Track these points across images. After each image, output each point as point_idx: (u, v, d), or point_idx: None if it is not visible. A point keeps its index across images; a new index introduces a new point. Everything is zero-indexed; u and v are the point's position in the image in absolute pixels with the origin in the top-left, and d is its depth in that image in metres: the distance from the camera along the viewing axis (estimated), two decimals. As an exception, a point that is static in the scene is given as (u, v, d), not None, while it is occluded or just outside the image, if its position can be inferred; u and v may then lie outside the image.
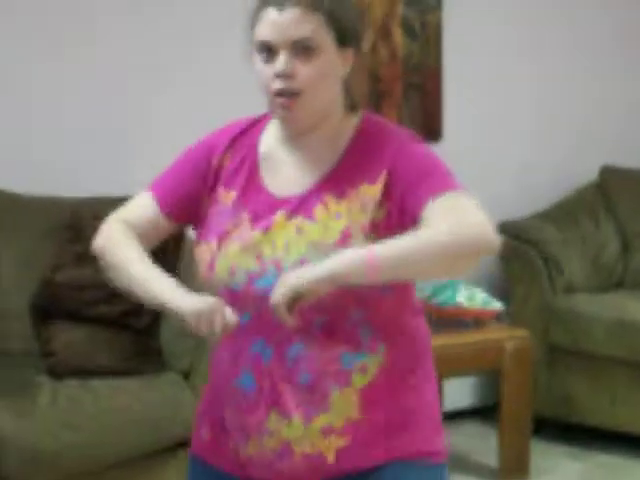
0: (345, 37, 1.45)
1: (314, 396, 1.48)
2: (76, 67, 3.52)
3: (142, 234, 1.56)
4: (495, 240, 1.32)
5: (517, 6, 4.03)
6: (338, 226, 1.44)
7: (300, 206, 1.48)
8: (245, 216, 1.51)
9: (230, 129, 1.60)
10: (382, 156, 1.46)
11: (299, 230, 1.49)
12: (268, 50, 1.40)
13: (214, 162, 1.57)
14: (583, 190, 4.00)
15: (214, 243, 1.52)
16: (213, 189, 1.57)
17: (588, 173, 4.10)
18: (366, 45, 1.99)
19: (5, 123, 3.34)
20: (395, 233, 1.35)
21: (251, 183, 1.55)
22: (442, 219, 1.32)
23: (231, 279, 1.48)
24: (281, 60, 1.40)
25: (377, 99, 3.46)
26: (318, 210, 1.47)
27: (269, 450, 1.50)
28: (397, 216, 1.41)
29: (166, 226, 1.57)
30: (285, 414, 1.48)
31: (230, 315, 1.34)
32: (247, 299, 1.46)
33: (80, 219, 3.04)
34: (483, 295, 3.30)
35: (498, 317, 3.36)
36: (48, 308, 2.98)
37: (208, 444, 1.61)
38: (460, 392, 3.87)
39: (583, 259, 3.72)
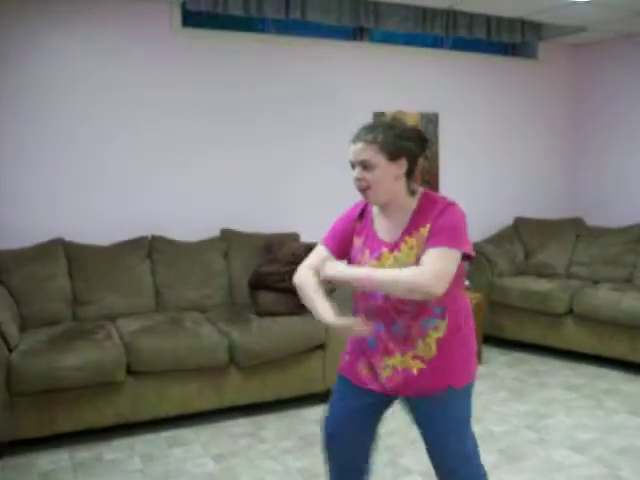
0: (393, 155, 2.19)
1: (407, 343, 2.25)
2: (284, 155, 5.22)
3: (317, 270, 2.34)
4: (431, 290, 2.05)
5: (475, 139, 6.09)
6: (412, 253, 2.20)
7: (394, 246, 2.24)
8: (367, 251, 2.29)
9: (359, 205, 2.43)
10: (431, 213, 2.19)
11: (395, 257, 2.24)
12: (352, 165, 2.23)
13: (353, 225, 2.39)
14: (505, 228, 6.13)
15: (355, 264, 2.32)
16: (352, 239, 2.39)
17: (509, 219, 6.23)
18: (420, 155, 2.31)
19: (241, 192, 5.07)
20: None
21: (370, 232, 2.34)
22: (422, 263, 2.09)
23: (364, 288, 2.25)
24: (356, 171, 2.22)
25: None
26: (402, 245, 2.23)
27: (383, 376, 2.29)
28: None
29: (328, 258, 2.35)
30: (390, 354, 2.27)
31: (358, 327, 2.15)
32: (370, 299, 2.25)
33: (271, 244, 4.78)
34: (460, 277, 5.61)
35: (466, 288, 5.06)
36: (255, 284, 4.45)
37: (348, 367, 2.41)
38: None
39: (506, 260, 5.79)
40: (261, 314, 4.36)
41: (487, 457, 3.44)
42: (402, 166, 2.23)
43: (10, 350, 3.70)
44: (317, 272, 2.35)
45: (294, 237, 4.98)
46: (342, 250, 2.41)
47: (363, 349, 2.37)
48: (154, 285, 4.57)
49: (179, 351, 3.93)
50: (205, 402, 4.07)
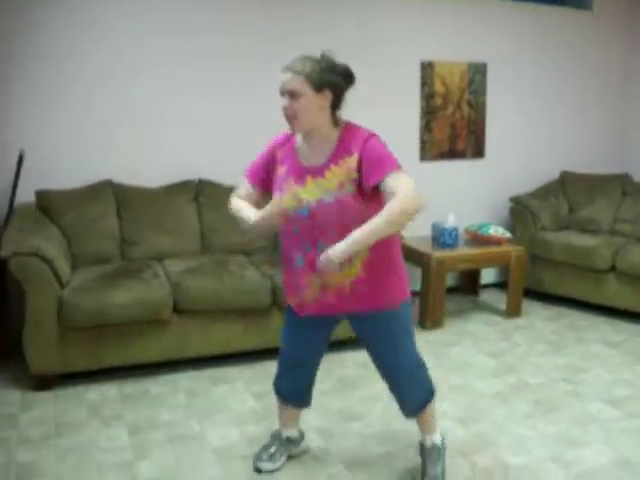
0: (318, 87, 2.36)
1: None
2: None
3: (246, 198, 2.65)
4: (419, 207, 2.24)
5: (523, 91, 5.96)
6: (336, 180, 2.38)
7: (317, 171, 2.41)
8: (291, 178, 2.47)
9: (281, 136, 2.62)
10: (355, 144, 2.38)
11: (317, 183, 2.41)
12: (281, 94, 2.40)
13: (275, 152, 2.58)
14: (551, 182, 6.04)
15: (279, 194, 2.48)
16: (275, 167, 2.56)
17: (555, 173, 6.16)
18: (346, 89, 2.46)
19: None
20: (365, 186, 2.33)
21: (294, 160, 2.50)
22: (392, 192, 2.23)
23: (288, 212, 2.44)
24: (283, 100, 2.40)
25: (454, 138, 5.61)
26: (326, 173, 2.40)
27: (315, 292, 2.51)
28: (365, 179, 2.32)
29: (255, 193, 2.65)
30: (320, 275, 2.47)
31: (282, 202, 2.39)
32: (295, 221, 2.45)
33: None
34: (502, 229, 5.19)
35: (509, 240, 5.22)
36: None
37: (290, 298, 2.68)
38: (490, 275, 5.94)
39: (550, 214, 5.71)
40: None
41: (521, 407, 3.55)
42: (327, 98, 2.41)
43: (62, 286, 3.81)
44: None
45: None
46: (262, 180, 2.65)
47: (294, 275, 2.58)
48: (200, 228, 4.66)
49: (224, 292, 4.02)
50: (248, 342, 4.18)
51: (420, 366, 2.79)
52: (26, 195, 4.39)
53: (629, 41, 6.49)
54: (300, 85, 2.37)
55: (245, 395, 3.81)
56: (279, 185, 2.53)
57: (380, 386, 3.64)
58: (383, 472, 3.06)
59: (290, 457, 3.13)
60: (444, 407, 3.69)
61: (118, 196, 4.54)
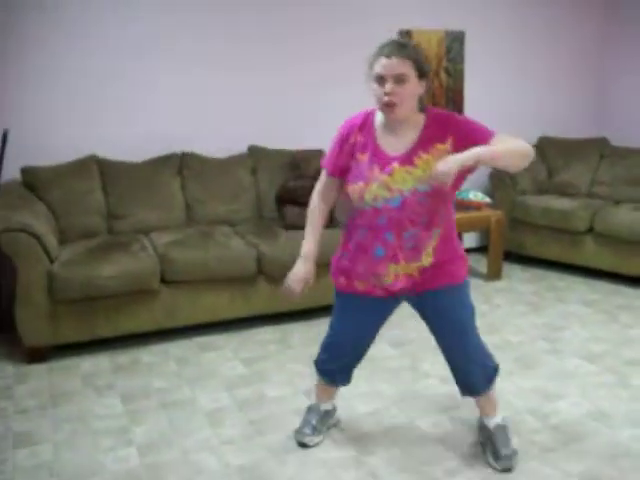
0: (422, 73, 2.33)
1: (414, 253, 2.45)
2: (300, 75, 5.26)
3: (326, 192, 2.63)
4: (532, 151, 2.26)
5: (501, 58, 6.05)
6: (429, 168, 2.30)
7: (405, 160, 2.35)
8: (376, 167, 2.37)
9: (356, 119, 2.50)
10: (444, 128, 2.34)
11: (408, 172, 2.35)
12: (380, 79, 2.29)
13: (352, 139, 2.46)
14: (531, 144, 6.39)
15: (362, 184, 2.39)
16: (354, 154, 2.45)
17: (533, 138, 6.21)
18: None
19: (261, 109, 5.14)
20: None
21: (375, 148, 2.40)
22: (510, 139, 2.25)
23: (375, 203, 2.38)
24: (388, 85, 2.28)
25: (434, 105, 5.49)
26: (416, 161, 2.34)
27: (386, 282, 2.50)
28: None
29: (336, 183, 2.58)
30: (397, 261, 2.45)
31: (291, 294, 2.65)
32: (383, 211, 2.37)
33: (297, 159, 4.88)
34: (481, 194, 5.34)
35: (488, 205, 5.41)
36: (282, 199, 4.65)
37: (346, 286, 2.63)
38: (471, 239, 6.02)
39: (529, 179, 5.83)
40: (288, 227, 4.54)
41: (503, 365, 3.67)
42: (423, 85, 2.38)
43: (51, 261, 3.89)
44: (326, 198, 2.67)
45: (319, 153, 5.05)
46: (342, 169, 2.56)
47: (369, 264, 2.53)
48: (185, 200, 4.73)
49: (210, 262, 4.11)
50: (235, 310, 4.27)
51: (483, 343, 2.79)
52: (12, 172, 4.44)
53: (606, 7, 6.55)
54: (408, 70, 2.31)
55: (234, 361, 3.91)
56: (361, 173, 2.44)
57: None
58: (366, 428, 3.15)
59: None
60: (426, 367, 3.82)
61: (103, 171, 4.59)
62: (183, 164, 4.81)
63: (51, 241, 3.95)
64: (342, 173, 2.55)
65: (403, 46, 2.33)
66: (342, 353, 2.87)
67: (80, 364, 3.91)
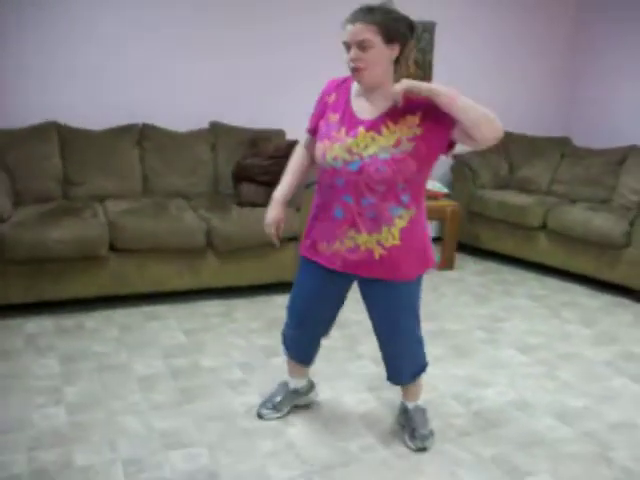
0: (389, 38, 2.24)
1: (374, 224, 2.41)
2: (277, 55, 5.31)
3: (307, 149, 2.70)
4: (501, 130, 2.26)
5: (469, 51, 6.10)
6: (394, 137, 2.29)
7: (372, 126, 2.33)
8: (343, 129, 2.38)
9: (336, 80, 2.55)
10: (418, 100, 2.28)
11: (372, 138, 2.33)
12: (347, 46, 2.27)
13: (327, 99, 2.51)
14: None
15: (327, 142, 2.40)
16: (326, 113, 2.48)
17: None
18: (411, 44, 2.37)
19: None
20: (430, 140, 2.29)
21: (347, 111, 2.41)
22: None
23: (335, 163, 2.38)
24: (352, 52, 2.27)
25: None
26: (383, 129, 2.31)
27: (346, 247, 2.47)
28: (433, 128, 2.27)
29: (314, 141, 2.57)
30: (358, 230, 2.43)
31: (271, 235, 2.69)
32: (342, 173, 2.38)
33: (257, 138, 4.96)
34: (439, 185, 5.50)
35: (446, 196, 5.52)
36: (239, 176, 4.69)
37: (309, 248, 2.62)
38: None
39: (490, 173, 5.92)
40: (242, 204, 4.60)
41: (435, 350, 3.77)
42: (395, 51, 2.32)
43: (2, 221, 3.94)
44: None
45: (280, 134, 5.13)
46: (317, 129, 2.59)
47: (329, 224, 2.53)
48: (142, 171, 4.79)
49: (160, 232, 4.19)
50: (183, 282, 4.35)
51: (418, 342, 2.79)
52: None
53: (578, 7, 6.61)
54: (372, 35, 2.25)
55: (176, 331, 3.99)
56: (328, 132, 2.44)
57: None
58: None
59: (297, 407, 3.19)
60: (362, 349, 3.90)
61: (62, 137, 4.63)
62: (143, 135, 4.86)
63: (3, 202, 3.99)
64: (316, 132, 2.59)
65: (370, 11, 2.28)
66: (298, 321, 2.86)
67: (24, 325, 3.97)
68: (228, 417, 3.07)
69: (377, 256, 2.46)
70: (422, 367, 2.87)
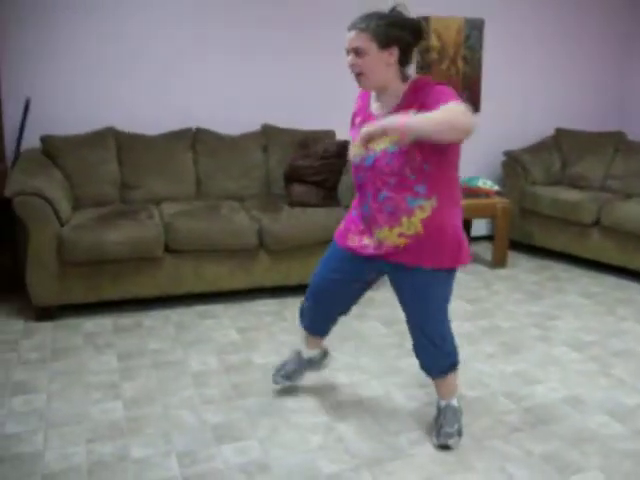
0: (383, 44, 2.35)
1: (393, 218, 2.50)
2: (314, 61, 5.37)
3: None
4: (468, 124, 2.14)
5: (520, 47, 6.07)
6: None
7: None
8: (360, 125, 2.56)
9: (361, 92, 2.71)
10: (421, 93, 2.37)
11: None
12: (347, 52, 2.43)
13: (356, 106, 2.71)
14: (546, 138, 6.17)
15: (352, 143, 2.60)
16: (354, 121, 2.68)
17: (550, 129, 6.29)
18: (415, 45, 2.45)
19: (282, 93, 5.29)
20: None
21: (367, 113, 2.59)
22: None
23: (355, 159, 2.56)
24: (349, 58, 2.42)
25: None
26: None
27: (373, 243, 2.62)
28: None
29: None
30: (379, 225, 2.55)
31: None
32: (360, 169, 2.55)
33: (307, 139, 5.02)
34: (490, 182, 5.40)
35: (497, 193, 5.47)
36: (290, 177, 4.80)
37: (341, 235, 2.78)
38: (480, 227, 6.16)
39: (542, 169, 5.87)
40: (293, 204, 4.69)
41: (487, 347, 3.78)
42: (393, 54, 2.41)
43: (62, 224, 4.10)
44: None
45: (329, 134, 5.19)
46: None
47: (359, 219, 2.67)
48: (196, 174, 4.90)
49: (213, 233, 4.29)
50: (236, 282, 4.44)
51: (445, 339, 2.78)
52: (34, 141, 4.67)
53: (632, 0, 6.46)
54: (364, 42, 2.37)
55: (229, 329, 4.09)
56: (354, 135, 2.61)
57: (357, 324, 3.93)
58: (345, 397, 3.31)
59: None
60: (411, 345, 3.90)
61: (119, 142, 4.79)
62: (196, 139, 4.98)
63: (63, 206, 4.15)
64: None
65: (365, 18, 2.40)
66: (315, 297, 2.95)
67: (84, 324, 4.11)
68: (279, 412, 3.14)
69: (402, 245, 2.56)
70: (451, 364, 2.86)
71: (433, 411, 3.15)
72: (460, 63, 5.79)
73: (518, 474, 2.70)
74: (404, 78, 2.49)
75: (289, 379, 3.21)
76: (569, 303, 4.69)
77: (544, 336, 4.10)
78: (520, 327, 4.24)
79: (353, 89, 4.59)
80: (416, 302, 2.69)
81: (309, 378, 3.45)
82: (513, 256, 5.75)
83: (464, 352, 3.83)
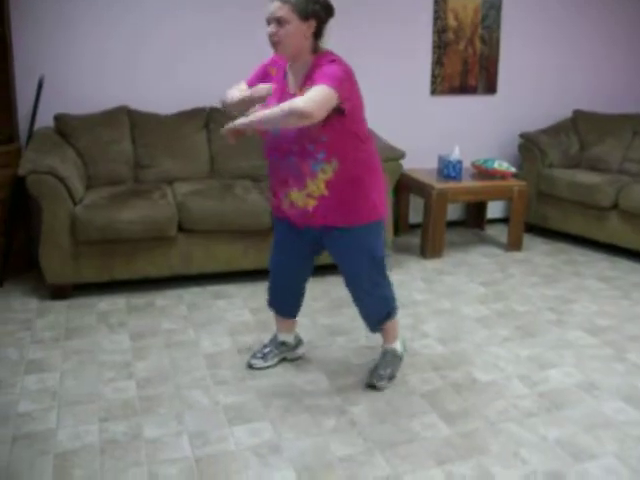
0: (303, 16, 2.58)
1: (299, 180, 2.74)
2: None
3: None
4: (305, 111, 2.42)
5: (538, 28, 5.94)
6: None
7: (293, 96, 2.62)
8: (275, 96, 2.72)
9: (276, 57, 2.82)
10: (318, 70, 2.59)
11: None
12: (268, 22, 2.62)
13: (269, 70, 2.87)
14: (564, 120, 6.03)
15: (265, 108, 2.66)
16: (267, 81, 2.81)
17: (568, 111, 6.16)
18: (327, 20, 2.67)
19: None
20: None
21: (282, 83, 2.77)
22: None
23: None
24: (270, 27, 2.62)
25: (466, 74, 5.68)
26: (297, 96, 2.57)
27: (287, 204, 2.85)
28: None
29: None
30: (289, 186, 2.78)
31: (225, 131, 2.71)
32: (270, 135, 2.77)
33: None
34: (506, 164, 5.32)
35: (513, 175, 5.34)
36: None
37: (274, 206, 3.01)
38: (495, 209, 6.04)
39: (559, 152, 5.78)
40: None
41: (502, 331, 3.76)
42: (311, 26, 2.63)
43: (75, 203, 4.09)
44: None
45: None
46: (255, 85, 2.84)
47: (276, 182, 2.89)
48: (210, 153, 4.88)
49: (225, 213, 4.27)
50: (249, 262, 4.43)
51: (379, 285, 3.01)
52: (47, 119, 4.64)
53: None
54: (287, 13, 2.57)
55: (242, 310, 4.08)
56: (269, 101, 2.75)
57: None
58: (359, 380, 3.31)
59: (285, 360, 3.44)
60: (427, 328, 3.91)
61: (133, 121, 4.76)
62: (210, 118, 4.94)
63: (76, 184, 4.14)
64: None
65: None
66: (273, 273, 3.21)
67: (97, 303, 4.12)
68: (291, 394, 3.14)
69: (310, 209, 2.78)
70: (388, 311, 3.09)
71: (447, 395, 3.15)
72: (477, 43, 5.70)
73: (532, 459, 2.69)
74: (314, 51, 2.70)
75: (265, 360, 3.34)
76: (585, 287, 4.65)
77: (559, 320, 4.06)
78: (535, 311, 4.20)
79: (362, 68, 4.64)
80: (344, 259, 2.96)
81: (321, 360, 3.44)
82: (528, 239, 5.67)
83: (480, 335, 3.82)
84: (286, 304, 3.29)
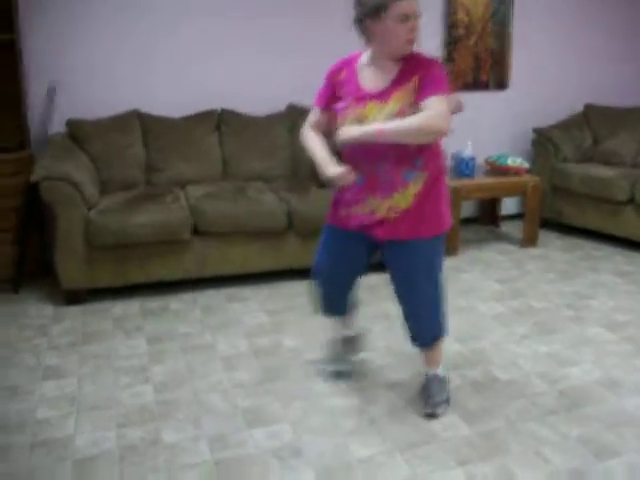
0: None
1: (387, 190, 2.58)
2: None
3: (317, 124, 2.77)
4: (442, 129, 2.36)
5: (549, 23, 5.90)
6: (399, 105, 2.46)
7: (380, 96, 2.49)
8: (354, 101, 2.55)
9: (344, 59, 2.70)
10: (419, 67, 2.46)
11: (380, 108, 2.49)
12: (405, 18, 2.40)
13: (337, 77, 2.66)
14: (575, 114, 6.03)
15: (343, 115, 2.58)
16: (341, 88, 2.63)
17: (579, 105, 6.13)
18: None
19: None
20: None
21: (356, 84, 2.58)
22: (424, 111, 2.37)
23: (345, 141, 2.56)
24: (414, 23, 2.46)
25: (478, 69, 5.66)
26: (390, 97, 2.47)
27: (364, 211, 2.66)
28: (415, 98, 2.42)
29: (323, 117, 2.75)
30: (374, 195, 2.60)
31: (346, 178, 2.52)
32: (360, 142, 2.52)
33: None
34: (520, 160, 5.29)
35: (527, 171, 5.32)
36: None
37: (333, 217, 2.81)
38: (510, 205, 6.07)
39: (572, 146, 5.76)
40: (320, 185, 4.57)
41: (520, 328, 3.71)
42: None
43: (89, 208, 4.09)
44: (319, 128, 2.77)
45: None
46: (328, 101, 2.72)
47: (351, 192, 2.67)
48: (222, 155, 4.86)
49: (241, 215, 4.25)
50: (264, 263, 4.41)
51: (436, 307, 2.83)
52: (60, 125, 4.66)
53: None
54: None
55: (258, 312, 4.06)
56: (344, 106, 2.60)
57: (386, 306, 3.94)
58: (377, 380, 3.29)
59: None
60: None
61: (144, 125, 4.76)
62: (221, 120, 4.94)
63: (90, 190, 4.14)
64: (329, 106, 2.72)
65: None
66: (322, 280, 2.99)
67: (112, 308, 4.11)
68: (310, 395, 3.12)
69: (391, 219, 2.62)
70: (439, 333, 2.90)
71: (466, 394, 3.11)
72: (488, 38, 5.66)
73: (554, 458, 2.65)
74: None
75: (340, 364, 3.27)
76: (602, 282, 4.61)
77: (578, 316, 4.03)
78: (553, 307, 4.17)
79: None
80: (405, 273, 2.74)
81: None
82: (543, 235, 5.64)
83: (498, 333, 3.79)
84: (340, 305, 3.12)
